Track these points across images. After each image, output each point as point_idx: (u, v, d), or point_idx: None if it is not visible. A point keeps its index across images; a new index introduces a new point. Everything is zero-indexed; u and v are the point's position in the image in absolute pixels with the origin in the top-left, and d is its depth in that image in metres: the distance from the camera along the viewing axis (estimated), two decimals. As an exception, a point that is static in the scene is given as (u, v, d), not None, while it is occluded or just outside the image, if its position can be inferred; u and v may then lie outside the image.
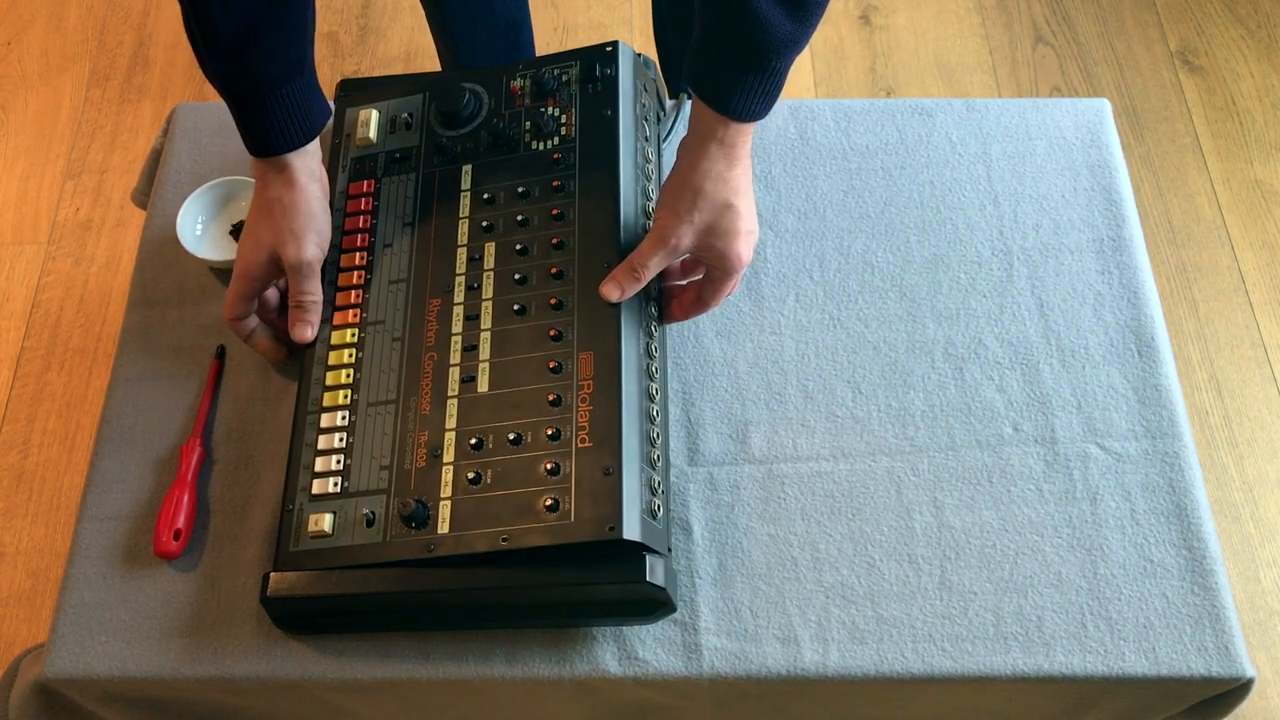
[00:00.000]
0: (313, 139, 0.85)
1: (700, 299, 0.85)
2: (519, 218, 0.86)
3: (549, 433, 0.77)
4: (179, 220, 0.94)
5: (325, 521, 0.78)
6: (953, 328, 0.93)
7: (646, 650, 0.80)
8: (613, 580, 0.75)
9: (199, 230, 0.96)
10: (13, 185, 1.75)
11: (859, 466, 0.87)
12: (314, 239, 0.84)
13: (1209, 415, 1.54)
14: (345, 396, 0.83)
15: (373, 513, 0.78)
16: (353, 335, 0.85)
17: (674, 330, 0.93)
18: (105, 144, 1.79)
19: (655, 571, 0.74)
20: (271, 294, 0.89)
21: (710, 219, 0.80)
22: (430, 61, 1.85)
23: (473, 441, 0.78)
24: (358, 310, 0.86)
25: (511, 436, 0.77)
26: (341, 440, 0.81)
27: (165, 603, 0.82)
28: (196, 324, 0.94)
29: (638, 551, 0.74)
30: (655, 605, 0.78)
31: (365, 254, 0.88)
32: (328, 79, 1.77)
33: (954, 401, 0.89)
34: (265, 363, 0.92)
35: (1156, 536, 0.84)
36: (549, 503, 0.74)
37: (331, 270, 0.88)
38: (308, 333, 0.85)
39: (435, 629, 0.81)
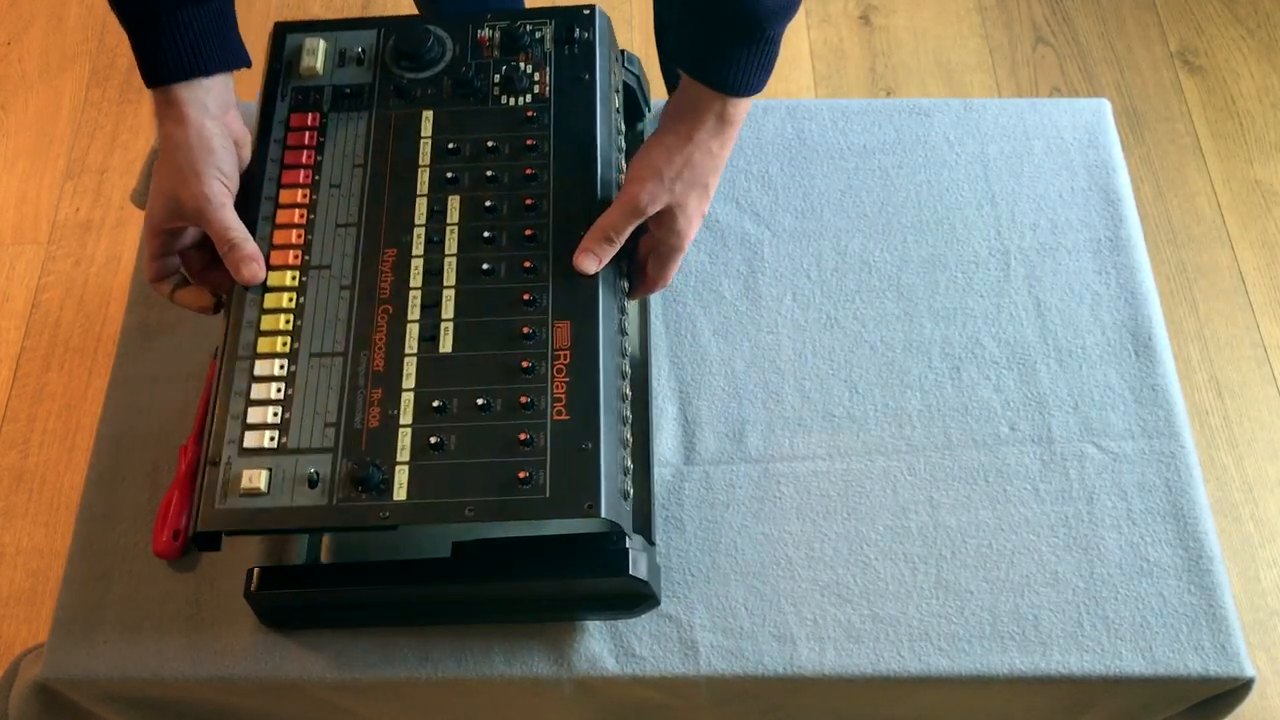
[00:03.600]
0: (209, 74, 0.78)
1: (649, 279, 0.83)
2: (488, 173, 0.82)
3: (522, 401, 0.73)
4: (178, 220, 0.94)
5: (260, 478, 0.71)
6: (950, 327, 0.93)
7: (644, 648, 0.80)
8: (596, 573, 0.75)
9: (198, 230, 0.96)
10: (13, 185, 1.76)
11: (855, 466, 0.87)
12: (215, 175, 0.77)
13: (1209, 415, 1.54)
14: (284, 344, 0.76)
15: (316, 473, 0.71)
16: (293, 278, 0.78)
17: (671, 329, 0.93)
18: (105, 144, 1.79)
19: (638, 565, 0.75)
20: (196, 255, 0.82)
21: (686, 193, 0.78)
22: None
23: (435, 404, 0.74)
24: (299, 252, 0.79)
25: (480, 403, 0.73)
26: (279, 391, 0.75)
27: (165, 603, 0.83)
28: (196, 324, 0.94)
29: (621, 545, 0.74)
30: (639, 599, 0.78)
31: (308, 191, 0.81)
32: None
33: (951, 401, 0.90)
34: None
35: (1153, 536, 0.84)
36: (522, 476, 0.71)
37: (268, 205, 0.81)
38: (256, 270, 0.77)
39: (420, 623, 0.81)
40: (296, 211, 0.81)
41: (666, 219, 0.79)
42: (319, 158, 0.83)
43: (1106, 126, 1.03)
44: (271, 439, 0.73)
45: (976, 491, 0.86)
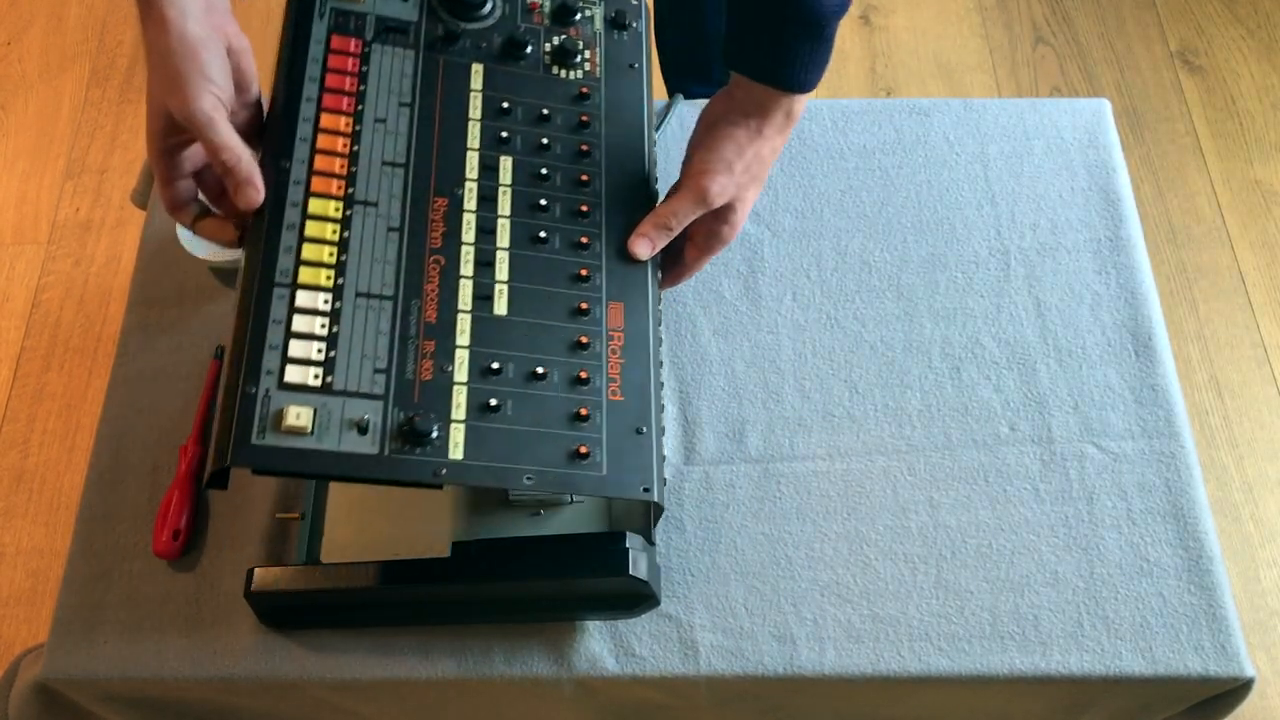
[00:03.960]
0: None
1: (685, 267, 0.83)
2: (543, 140, 0.80)
3: (581, 377, 0.72)
4: (178, 220, 0.95)
5: (306, 416, 0.67)
6: (950, 327, 0.93)
7: (644, 647, 0.80)
8: (596, 573, 0.75)
9: (198, 230, 0.96)
10: (13, 185, 1.76)
11: (855, 466, 0.87)
12: (204, 85, 0.70)
13: (1209, 415, 1.54)
14: (327, 278, 0.72)
15: (366, 419, 0.68)
16: (336, 209, 0.74)
17: (671, 329, 0.93)
18: (105, 144, 1.79)
19: (638, 565, 0.75)
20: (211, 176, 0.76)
21: (748, 186, 0.79)
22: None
23: (493, 366, 0.71)
24: (342, 183, 0.75)
25: (539, 371, 0.72)
26: (323, 327, 0.70)
27: (164, 603, 0.83)
28: (196, 324, 0.94)
29: (621, 545, 0.75)
30: (639, 599, 0.78)
31: (351, 121, 0.77)
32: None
33: (950, 401, 0.90)
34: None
35: (1153, 536, 0.84)
36: (582, 451, 0.70)
37: (306, 127, 0.76)
38: (254, 195, 0.72)
39: (420, 623, 0.81)
40: (340, 140, 0.76)
41: (725, 211, 0.80)
42: (362, 87, 0.78)
43: (1106, 126, 1.03)
44: (316, 377, 0.68)
45: (976, 491, 0.86)
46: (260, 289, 0.70)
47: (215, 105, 0.71)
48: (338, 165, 0.75)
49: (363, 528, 0.83)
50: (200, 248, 0.95)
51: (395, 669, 0.80)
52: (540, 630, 0.81)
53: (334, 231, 0.73)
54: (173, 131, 0.72)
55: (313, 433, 0.67)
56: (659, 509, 0.74)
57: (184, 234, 0.94)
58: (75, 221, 1.71)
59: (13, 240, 1.70)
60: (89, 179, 1.76)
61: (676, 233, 0.79)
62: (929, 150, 1.02)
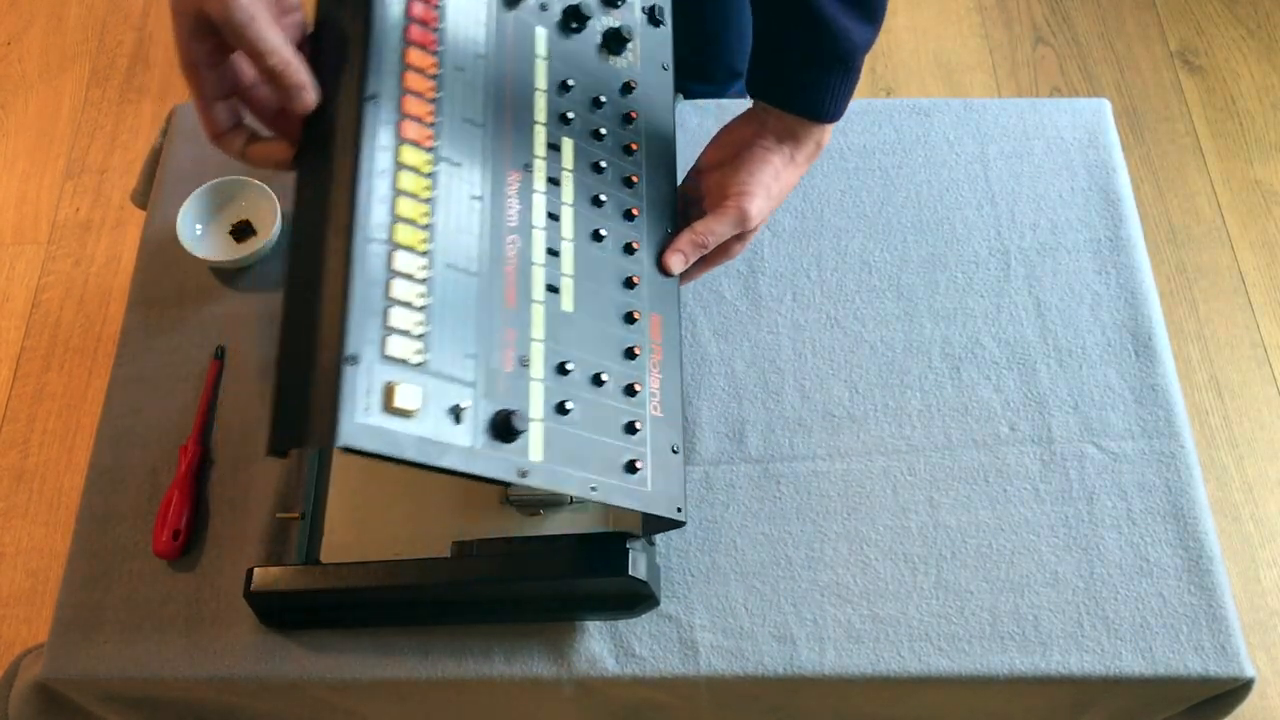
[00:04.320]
0: None
1: (688, 276, 0.83)
2: (601, 130, 0.76)
3: (634, 387, 0.70)
4: (179, 220, 0.95)
5: (414, 397, 0.59)
6: (950, 327, 0.93)
7: (644, 648, 0.80)
8: (596, 573, 0.75)
9: (199, 230, 0.97)
10: (13, 185, 1.76)
11: (855, 466, 0.87)
12: None
13: (1209, 415, 1.54)
14: (421, 241, 0.62)
15: (459, 406, 0.61)
16: (426, 164, 0.64)
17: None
18: (105, 144, 1.79)
19: (638, 565, 0.75)
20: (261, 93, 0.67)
21: (774, 209, 0.82)
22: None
23: (566, 365, 0.67)
24: (431, 135, 0.65)
25: (602, 377, 0.68)
26: (421, 297, 0.61)
27: (164, 603, 0.83)
28: (196, 324, 0.94)
29: (621, 544, 0.75)
30: (639, 599, 0.78)
31: (435, 63, 0.67)
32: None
33: (951, 401, 0.90)
34: (265, 362, 0.91)
35: (1153, 536, 0.84)
36: (633, 463, 0.68)
37: (393, 58, 0.64)
38: (307, 99, 0.62)
39: (420, 623, 0.81)
40: (427, 83, 0.66)
41: (748, 232, 0.81)
42: (442, 25, 0.68)
43: (1106, 126, 1.03)
44: (418, 353, 0.60)
45: (977, 492, 0.86)
46: (352, 241, 0.59)
47: (256, 2, 0.61)
48: (425, 113, 0.66)
49: (363, 528, 0.83)
50: (200, 248, 0.95)
51: (395, 669, 0.80)
52: (540, 630, 0.81)
53: (426, 189, 0.64)
54: (205, 35, 0.62)
55: (417, 417, 0.59)
56: (679, 525, 0.74)
57: (184, 234, 0.94)
58: (75, 221, 1.71)
59: (13, 240, 1.70)
60: (89, 179, 1.76)
61: (708, 251, 0.80)
62: (929, 150, 1.02)
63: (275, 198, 0.95)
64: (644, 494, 0.70)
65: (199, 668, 0.80)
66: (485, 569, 0.76)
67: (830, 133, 0.83)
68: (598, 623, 0.81)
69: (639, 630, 0.81)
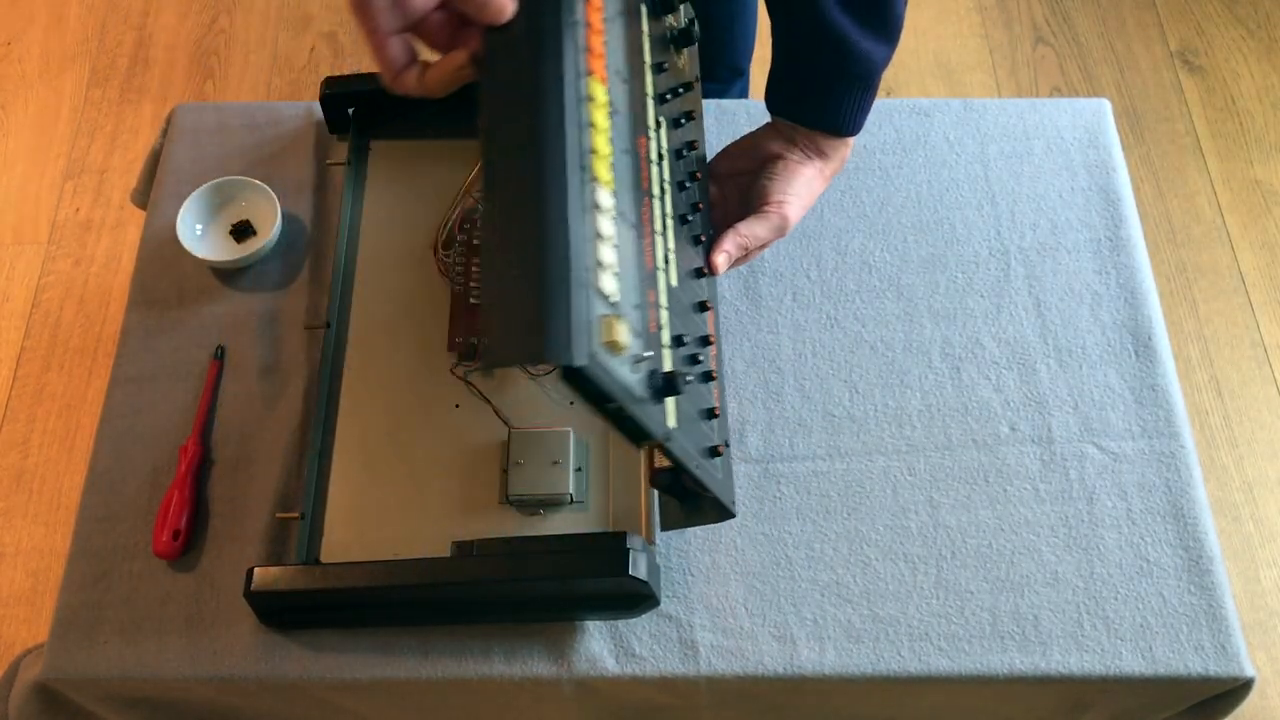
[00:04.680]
0: None
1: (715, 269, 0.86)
2: (680, 121, 0.78)
3: (709, 374, 0.69)
4: (179, 220, 0.95)
5: (626, 334, 0.56)
6: (950, 327, 0.93)
7: (643, 647, 0.80)
8: (596, 573, 0.75)
9: (199, 230, 0.97)
10: (13, 185, 1.76)
11: (855, 466, 0.87)
12: None
13: (1209, 415, 1.54)
14: (610, 180, 0.58)
15: (644, 355, 0.59)
16: (604, 101, 0.60)
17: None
18: (105, 144, 1.79)
19: (638, 565, 0.75)
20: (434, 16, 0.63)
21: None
22: (430, 62, 1.85)
23: (680, 337, 0.65)
24: (606, 73, 0.61)
25: (695, 356, 0.67)
26: (613, 237, 0.58)
27: (164, 603, 0.83)
28: (196, 324, 0.94)
29: (621, 544, 0.75)
30: (639, 599, 0.78)
31: (601, 4, 0.65)
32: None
33: (951, 401, 0.90)
34: (265, 363, 0.91)
35: (1153, 536, 0.84)
36: (715, 448, 0.68)
37: None
38: (504, 3, 0.59)
39: (420, 623, 0.81)
40: (599, 23, 0.63)
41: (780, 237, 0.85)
42: None
43: (1106, 126, 1.03)
44: (614, 293, 0.57)
45: (977, 492, 0.86)
46: (559, 167, 0.56)
47: None
48: (599, 52, 0.62)
49: (363, 527, 0.83)
50: (200, 248, 0.95)
51: (395, 669, 0.80)
52: (540, 630, 0.81)
53: (605, 126, 0.60)
54: None
55: (622, 356, 0.56)
56: (730, 516, 0.74)
57: (184, 234, 0.94)
58: (75, 221, 1.71)
59: (13, 240, 1.70)
60: (89, 179, 1.76)
61: (748, 255, 0.83)
62: (929, 150, 1.02)
63: (275, 197, 0.95)
64: (720, 481, 0.71)
65: (199, 668, 0.80)
66: (485, 569, 0.76)
67: (851, 146, 0.86)
68: (598, 623, 0.81)
69: (639, 630, 0.81)
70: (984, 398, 0.90)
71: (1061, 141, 1.02)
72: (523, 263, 0.53)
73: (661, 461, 0.69)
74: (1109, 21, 1.91)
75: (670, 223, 0.71)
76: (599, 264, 0.56)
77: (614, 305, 0.57)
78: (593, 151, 0.58)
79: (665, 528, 0.75)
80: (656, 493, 0.74)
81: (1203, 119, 1.80)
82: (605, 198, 0.58)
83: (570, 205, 0.54)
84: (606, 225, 0.57)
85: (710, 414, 0.70)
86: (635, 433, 0.60)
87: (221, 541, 0.85)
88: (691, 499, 0.73)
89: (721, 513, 0.73)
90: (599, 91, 0.60)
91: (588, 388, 0.55)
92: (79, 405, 1.56)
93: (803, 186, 0.84)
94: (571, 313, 0.52)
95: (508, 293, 0.53)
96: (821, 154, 0.85)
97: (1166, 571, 0.83)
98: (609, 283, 0.56)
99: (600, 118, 0.59)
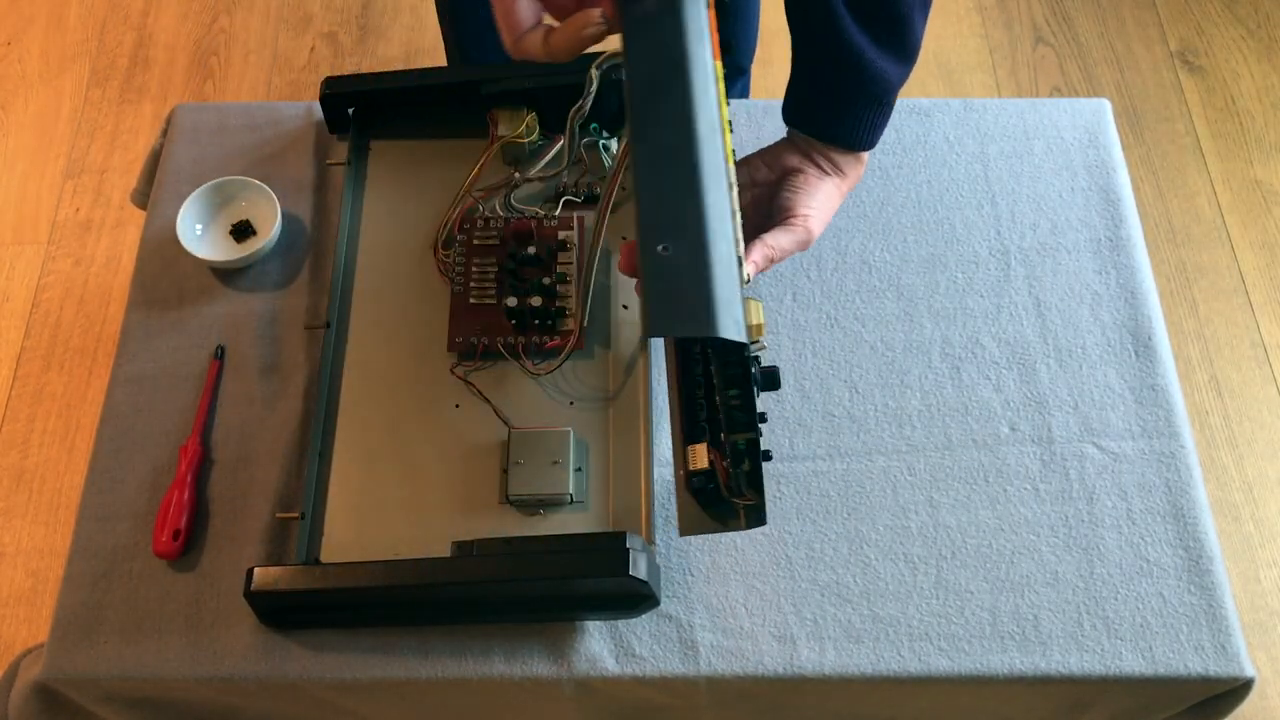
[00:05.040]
0: None
1: None
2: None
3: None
4: (179, 220, 0.95)
5: (760, 313, 0.66)
6: (950, 327, 0.93)
7: (644, 648, 0.80)
8: (596, 573, 0.75)
9: (199, 230, 0.97)
10: (13, 185, 1.76)
11: (855, 466, 0.87)
12: None
13: (1209, 415, 1.54)
14: (731, 153, 0.66)
15: (761, 345, 0.68)
16: (722, 83, 0.65)
17: (672, 330, 0.93)
18: (105, 144, 1.79)
19: (638, 565, 0.75)
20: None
21: None
22: (429, 61, 1.85)
23: None
24: (717, 48, 0.66)
25: (757, 357, 0.70)
26: (736, 216, 0.66)
27: (164, 603, 0.83)
28: (196, 324, 0.94)
29: (621, 544, 0.75)
30: (639, 599, 0.78)
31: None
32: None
33: (950, 401, 0.90)
34: (265, 363, 0.92)
35: (1153, 536, 0.84)
36: (768, 451, 0.70)
37: None
38: None
39: (420, 623, 0.81)
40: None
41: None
42: None
43: (1106, 126, 1.03)
44: (746, 274, 0.63)
45: (977, 491, 0.86)
46: (715, 147, 0.59)
47: None
48: (712, 29, 0.65)
49: (363, 527, 0.83)
50: (201, 248, 0.95)
51: (395, 669, 0.80)
52: (540, 630, 0.81)
53: (725, 101, 0.63)
54: None
55: (759, 337, 0.62)
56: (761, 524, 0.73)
57: (184, 234, 0.94)
58: (75, 221, 1.71)
59: (13, 240, 1.70)
60: (89, 179, 1.76)
61: (770, 266, 0.83)
62: (929, 150, 1.02)
63: (275, 197, 0.95)
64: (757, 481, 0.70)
65: (199, 668, 0.80)
66: (485, 569, 0.76)
67: (865, 162, 0.88)
68: (598, 623, 0.81)
69: (639, 630, 0.81)
70: (984, 398, 0.90)
71: (1061, 141, 1.02)
72: (685, 237, 0.54)
73: (698, 463, 0.70)
74: (1109, 21, 1.91)
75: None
76: (737, 241, 0.59)
77: (746, 284, 0.61)
78: (729, 129, 0.61)
79: (684, 533, 0.74)
80: (675, 495, 0.74)
81: (1203, 119, 1.80)
82: (733, 172, 0.62)
83: (721, 184, 0.57)
84: (737, 203, 0.62)
85: (762, 417, 0.71)
86: (746, 420, 0.62)
87: (221, 541, 0.85)
88: (722, 504, 0.72)
89: (757, 519, 0.72)
90: (716, 67, 0.62)
91: (736, 367, 0.58)
92: (79, 405, 1.56)
93: (823, 201, 0.85)
94: (735, 290, 0.54)
95: (670, 265, 0.54)
96: (838, 170, 0.86)
97: (1166, 571, 0.83)
98: (746, 266, 0.61)
99: (721, 92, 0.62)
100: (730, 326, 0.53)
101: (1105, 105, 1.05)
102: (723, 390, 0.65)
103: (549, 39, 0.62)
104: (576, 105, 0.86)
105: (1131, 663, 0.80)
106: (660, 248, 0.54)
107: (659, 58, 0.59)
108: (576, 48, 0.61)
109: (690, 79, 0.58)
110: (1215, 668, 0.79)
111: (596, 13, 0.60)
